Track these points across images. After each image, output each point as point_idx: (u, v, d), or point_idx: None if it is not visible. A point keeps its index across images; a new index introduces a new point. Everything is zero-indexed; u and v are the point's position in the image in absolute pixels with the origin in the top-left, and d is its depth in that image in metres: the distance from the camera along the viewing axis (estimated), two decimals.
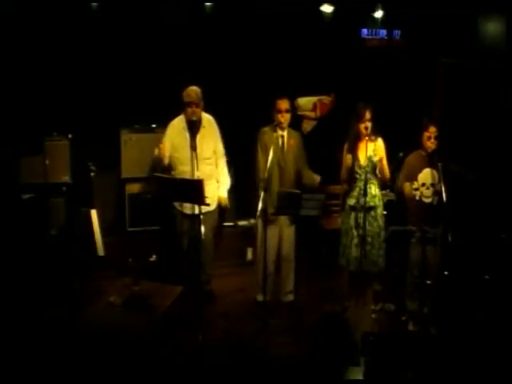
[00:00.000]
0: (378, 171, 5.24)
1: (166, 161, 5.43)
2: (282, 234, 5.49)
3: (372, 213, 5.17)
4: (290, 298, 5.58)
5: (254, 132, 5.57)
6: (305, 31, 7.04)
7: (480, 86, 6.74)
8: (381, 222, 5.28)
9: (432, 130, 5.17)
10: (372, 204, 5.15)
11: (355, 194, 5.25)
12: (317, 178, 5.61)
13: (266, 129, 5.48)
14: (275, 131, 5.40)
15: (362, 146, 5.25)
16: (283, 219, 5.43)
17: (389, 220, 5.49)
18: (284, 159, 5.42)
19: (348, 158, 5.18)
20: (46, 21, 6.28)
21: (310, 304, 5.51)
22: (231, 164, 6.07)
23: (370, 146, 5.14)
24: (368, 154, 5.15)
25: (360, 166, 5.23)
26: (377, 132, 5.17)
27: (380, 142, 5.28)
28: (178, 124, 5.50)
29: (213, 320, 5.30)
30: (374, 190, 5.19)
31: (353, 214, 5.25)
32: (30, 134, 6.04)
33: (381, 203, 5.31)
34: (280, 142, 5.41)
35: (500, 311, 5.13)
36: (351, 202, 5.26)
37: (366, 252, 5.10)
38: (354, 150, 5.24)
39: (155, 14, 6.71)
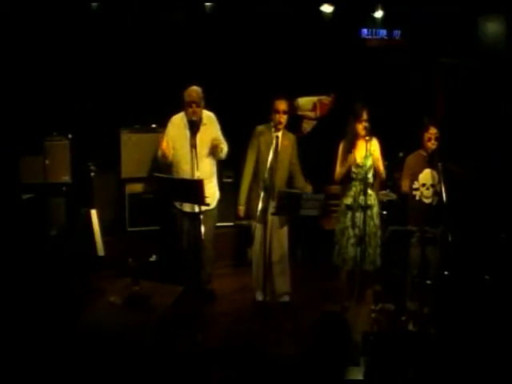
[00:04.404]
0: (373, 172, 5.26)
1: (171, 158, 5.41)
2: (272, 236, 5.43)
3: (368, 212, 5.16)
4: (286, 299, 5.57)
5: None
6: (305, 31, 7.04)
7: (480, 86, 6.74)
8: (377, 221, 5.30)
9: (432, 131, 5.17)
10: (369, 203, 5.15)
11: (352, 193, 5.26)
12: (309, 188, 5.53)
13: (262, 127, 5.46)
14: (271, 131, 5.38)
15: (359, 146, 5.26)
16: (274, 220, 5.39)
17: (389, 220, 5.50)
18: (277, 160, 5.39)
19: (351, 156, 5.20)
20: (46, 21, 6.28)
21: (309, 304, 5.50)
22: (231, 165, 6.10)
23: (366, 145, 5.15)
24: (365, 154, 5.17)
25: (357, 166, 5.24)
26: (372, 132, 5.16)
27: (375, 143, 5.29)
28: (179, 122, 5.49)
29: (213, 320, 5.30)
30: (369, 189, 5.18)
31: (349, 214, 5.26)
32: (30, 134, 6.04)
33: (376, 202, 5.32)
34: (274, 143, 5.39)
35: (500, 311, 5.13)
36: (348, 201, 5.27)
37: (365, 252, 5.11)
38: (351, 150, 5.25)
39: (155, 14, 6.72)
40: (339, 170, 5.30)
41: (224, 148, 5.48)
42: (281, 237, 5.50)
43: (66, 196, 6.23)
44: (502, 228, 5.76)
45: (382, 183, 5.57)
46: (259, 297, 5.45)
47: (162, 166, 5.50)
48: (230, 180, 6.59)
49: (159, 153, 5.37)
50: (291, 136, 5.57)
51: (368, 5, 7.23)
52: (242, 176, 5.52)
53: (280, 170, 5.40)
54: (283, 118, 5.35)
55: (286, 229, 5.51)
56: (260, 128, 5.47)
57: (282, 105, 5.35)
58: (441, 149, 5.16)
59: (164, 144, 5.31)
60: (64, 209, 6.20)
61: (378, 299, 5.46)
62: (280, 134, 5.41)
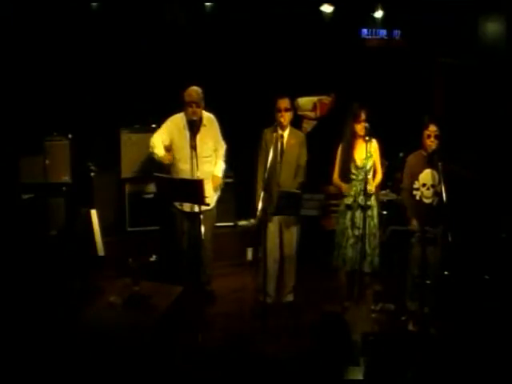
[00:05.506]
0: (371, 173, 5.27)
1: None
2: (283, 234, 5.47)
3: (369, 212, 5.16)
4: (290, 298, 5.58)
5: (254, 132, 5.57)
6: (305, 31, 7.04)
7: (480, 87, 6.74)
8: (376, 221, 5.30)
9: (432, 128, 5.16)
10: (369, 203, 5.15)
11: (352, 193, 5.26)
12: (295, 183, 5.45)
13: (268, 129, 5.45)
14: (276, 131, 5.38)
15: (358, 147, 5.26)
16: (285, 219, 5.41)
17: (389, 220, 5.49)
18: (282, 159, 5.38)
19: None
20: (46, 21, 6.28)
21: (309, 304, 5.51)
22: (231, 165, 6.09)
23: (366, 146, 5.15)
24: (364, 155, 5.17)
25: (357, 167, 5.23)
26: (372, 133, 5.16)
27: (374, 144, 5.28)
28: (179, 122, 5.49)
29: (213, 320, 5.30)
30: (369, 189, 5.18)
31: (349, 214, 5.26)
32: (30, 134, 6.04)
33: (376, 203, 5.32)
34: (279, 142, 5.37)
35: (500, 311, 5.13)
36: (348, 201, 5.26)
37: (364, 252, 5.12)
38: (350, 151, 5.25)
39: (155, 14, 6.72)
40: (335, 177, 5.32)
41: (221, 164, 5.63)
42: (291, 235, 5.49)
43: (65, 196, 6.22)
44: (502, 228, 5.76)
45: (382, 183, 5.57)
46: (261, 297, 5.44)
47: (161, 166, 5.50)
48: (230, 180, 6.58)
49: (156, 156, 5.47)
50: (300, 135, 5.55)
51: (368, 5, 7.23)
52: (256, 182, 5.43)
53: (286, 169, 5.37)
54: (285, 116, 5.32)
55: (296, 228, 5.50)
56: (266, 130, 5.45)
57: (283, 103, 5.33)
58: (441, 149, 5.16)
59: (167, 157, 5.43)
60: (64, 209, 6.20)
61: (377, 299, 5.46)
62: (286, 132, 5.39)
